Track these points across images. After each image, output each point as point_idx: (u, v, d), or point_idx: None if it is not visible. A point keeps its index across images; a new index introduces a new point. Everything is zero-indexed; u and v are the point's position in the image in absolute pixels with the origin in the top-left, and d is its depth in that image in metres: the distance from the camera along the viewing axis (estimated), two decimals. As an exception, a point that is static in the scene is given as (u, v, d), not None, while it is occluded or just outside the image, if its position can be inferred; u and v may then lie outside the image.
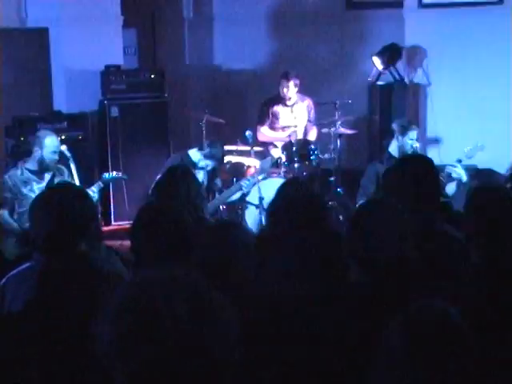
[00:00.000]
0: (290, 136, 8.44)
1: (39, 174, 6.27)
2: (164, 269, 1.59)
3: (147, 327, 1.46)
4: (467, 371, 1.77)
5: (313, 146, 8.20)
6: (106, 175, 6.82)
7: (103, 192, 7.01)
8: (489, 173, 7.91)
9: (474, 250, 3.01)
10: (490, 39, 8.84)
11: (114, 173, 7.07)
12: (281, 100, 8.61)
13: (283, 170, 7.98)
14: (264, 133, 8.64)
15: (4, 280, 2.96)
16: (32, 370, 2.46)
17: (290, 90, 8.48)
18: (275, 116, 8.64)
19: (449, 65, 9.15)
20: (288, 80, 8.44)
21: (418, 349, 1.77)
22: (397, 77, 9.38)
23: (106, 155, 8.49)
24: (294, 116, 8.65)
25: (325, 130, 8.62)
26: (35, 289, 2.73)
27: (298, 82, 8.48)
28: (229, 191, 7.58)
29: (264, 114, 8.66)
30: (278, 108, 8.63)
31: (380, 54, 9.24)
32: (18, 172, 6.27)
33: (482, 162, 7.65)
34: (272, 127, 8.68)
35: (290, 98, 8.55)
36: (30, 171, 6.25)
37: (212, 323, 1.50)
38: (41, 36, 8.65)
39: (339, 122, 8.43)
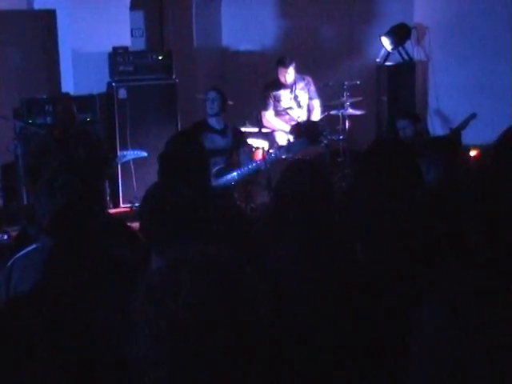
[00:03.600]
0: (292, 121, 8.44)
1: None
2: (196, 247, 1.58)
3: (183, 308, 1.46)
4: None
5: (321, 128, 8.18)
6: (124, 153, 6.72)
7: (112, 174, 6.99)
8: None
9: (473, 233, 2.98)
10: (497, 17, 8.78)
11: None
12: (280, 85, 8.56)
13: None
14: (269, 119, 8.55)
15: (11, 262, 2.96)
16: (39, 354, 2.46)
17: (290, 75, 8.43)
18: (277, 99, 8.59)
19: (457, 43, 9.11)
20: (286, 67, 8.38)
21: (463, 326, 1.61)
22: (405, 57, 9.34)
23: (114, 137, 8.50)
24: (294, 95, 8.59)
25: (333, 112, 8.61)
26: (42, 271, 2.73)
27: (294, 64, 8.43)
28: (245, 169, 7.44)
29: (267, 99, 8.59)
30: (278, 92, 8.58)
31: (388, 34, 9.20)
32: None
33: (485, 137, 7.66)
34: (275, 110, 8.61)
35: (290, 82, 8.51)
36: None
37: (248, 300, 1.50)
38: (48, 18, 8.64)
39: (347, 103, 8.41)
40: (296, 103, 8.59)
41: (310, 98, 8.67)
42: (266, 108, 8.58)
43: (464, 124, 7.67)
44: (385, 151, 3.71)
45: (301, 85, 8.62)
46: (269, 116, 8.54)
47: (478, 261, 2.90)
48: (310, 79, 8.67)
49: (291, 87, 8.56)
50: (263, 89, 8.68)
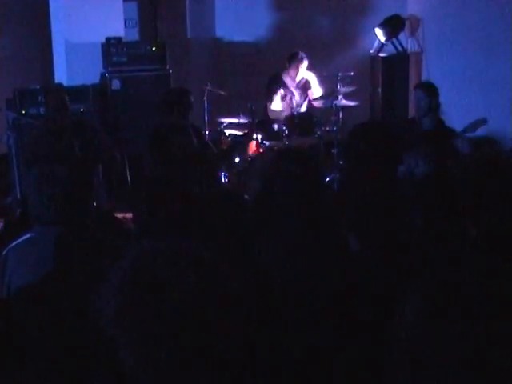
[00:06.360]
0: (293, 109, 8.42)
1: None
2: (167, 240, 1.57)
3: (151, 299, 1.45)
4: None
5: (315, 119, 8.17)
6: None
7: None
8: (490, 141, 7.91)
9: (471, 223, 2.97)
10: (492, 8, 8.77)
11: None
12: (284, 84, 8.51)
13: (285, 142, 7.97)
14: (274, 109, 8.50)
15: (5, 252, 2.96)
16: (49, 341, 2.46)
17: (303, 69, 8.42)
18: (289, 97, 8.56)
19: (451, 35, 9.10)
20: (301, 62, 8.37)
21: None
22: (399, 48, 9.34)
23: (107, 128, 8.46)
24: (299, 92, 8.59)
25: (327, 103, 8.59)
26: (53, 259, 2.73)
27: (307, 62, 8.42)
28: None
29: (271, 93, 8.48)
30: (286, 91, 8.53)
31: (382, 26, 9.18)
32: None
33: (479, 130, 7.65)
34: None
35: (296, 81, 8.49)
36: None
37: (217, 296, 1.49)
38: (41, 8, 8.60)
39: (341, 95, 8.40)
40: (295, 103, 8.57)
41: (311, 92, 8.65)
42: (271, 100, 8.51)
43: (472, 128, 7.13)
44: (364, 137, 3.71)
45: (303, 82, 8.60)
46: (274, 106, 8.49)
47: (476, 250, 2.90)
48: (313, 77, 8.62)
49: (295, 87, 8.53)
50: (268, 82, 8.61)
